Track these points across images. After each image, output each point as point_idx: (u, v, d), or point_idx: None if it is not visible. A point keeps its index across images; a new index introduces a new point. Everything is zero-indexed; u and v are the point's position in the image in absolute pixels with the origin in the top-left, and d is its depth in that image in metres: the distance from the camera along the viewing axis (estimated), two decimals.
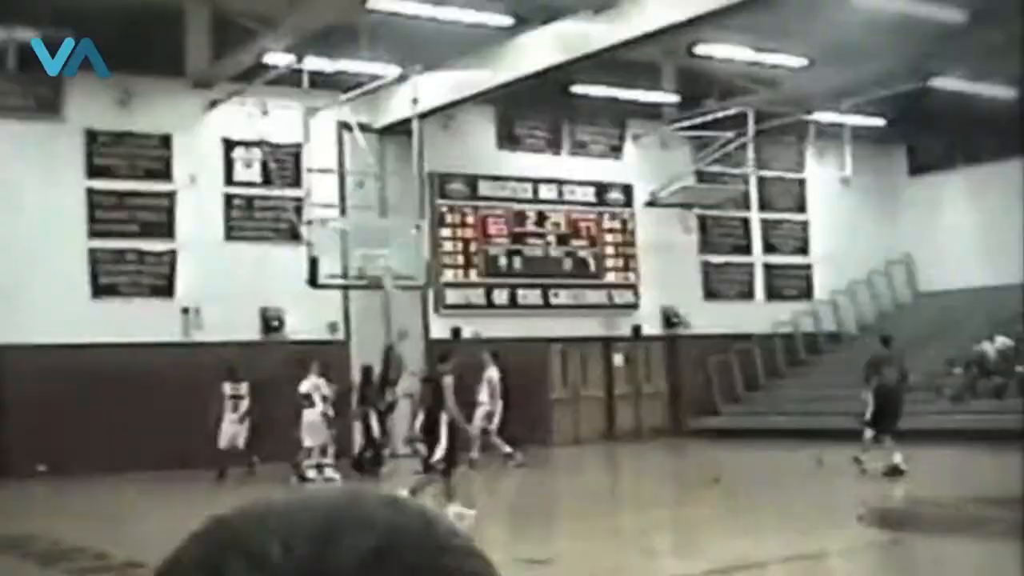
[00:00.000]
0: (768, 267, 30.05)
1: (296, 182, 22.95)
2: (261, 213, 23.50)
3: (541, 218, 26.61)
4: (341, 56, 21.51)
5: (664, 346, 28.13)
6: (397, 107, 22.63)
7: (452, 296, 25.39)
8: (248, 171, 23.52)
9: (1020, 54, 18.69)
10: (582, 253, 27.08)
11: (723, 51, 23.92)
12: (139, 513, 15.77)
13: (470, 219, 25.82)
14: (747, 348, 28.32)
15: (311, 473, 19.47)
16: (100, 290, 21.97)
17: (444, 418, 13.98)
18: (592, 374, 27.26)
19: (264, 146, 23.36)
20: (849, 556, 12.13)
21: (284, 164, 23.46)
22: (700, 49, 23.74)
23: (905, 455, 16.97)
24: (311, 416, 19.63)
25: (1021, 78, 21.57)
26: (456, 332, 24.75)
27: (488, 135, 26.18)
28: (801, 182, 30.81)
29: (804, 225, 30.76)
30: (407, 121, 21.53)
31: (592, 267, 27.21)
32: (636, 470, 23.91)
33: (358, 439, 21.12)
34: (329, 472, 19.65)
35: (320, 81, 21.33)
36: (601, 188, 27.45)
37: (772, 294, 29.94)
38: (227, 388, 20.25)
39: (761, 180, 29.17)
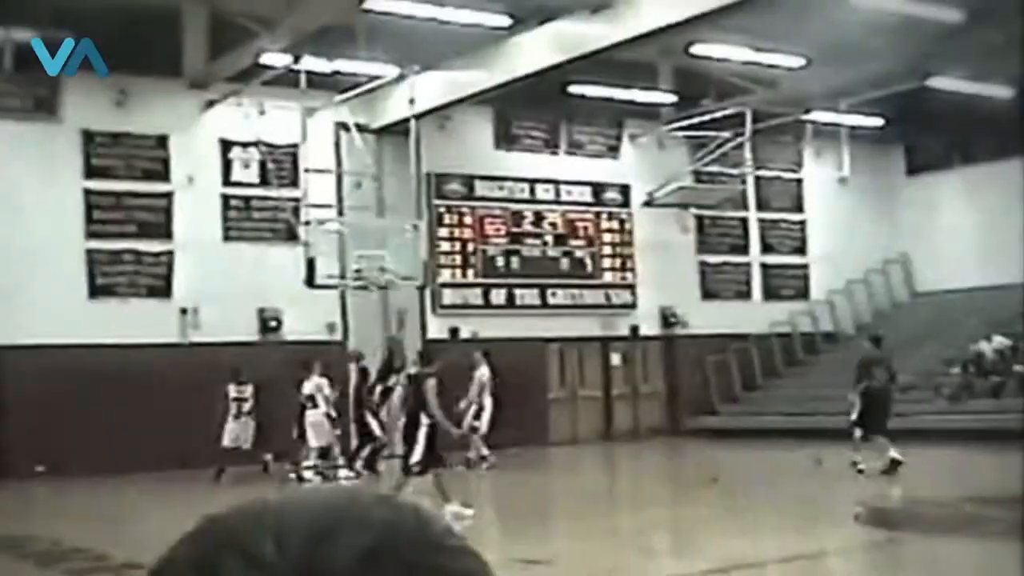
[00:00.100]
0: (765, 267, 30.03)
1: (293, 182, 22.93)
2: (259, 213, 23.48)
3: (538, 218, 26.59)
4: (338, 56, 21.48)
5: (661, 346, 28.11)
6: (394, 107, 22.63)
7: (449, 296, 25.38)
8: (245, 171, 23.49)
9: (1019, 54, 18.69)
10: (579, 253, 27.06)
11: (720, 51, 23.87)
12: (138, 513, 15.73)
13: (467, 219, 25.80)
14: (744, 348, 28.31)
15: (308, 474, 19.52)
16: (97, 291, 21.93)
17: (424, 420, 14.00)
18: (590, 374, 27.24)
19: (261, 146, 23.35)
20: (847, 556, 12.14)
21: (281, 164, 23.44)
22: (697, 49, 23.69)
23: (901, 453, 16.99)
24: (315, 416, 19.63)
25: (1020, 78, 21.58)
26: (454, 332, 24.76)
27: (485, 135, 26.14)
28: (798, 182, 30.78)
29: (801, 225, 30.73)
30: (404, 121, 21.55)
31: (589, 267, 27.19)
32: (634, 470, 23.91)
33: (354, 441, 21.06)
34: (344, 472, 19.68)
35: (317, 81, 21.29)
36: (598, 188, 27.42)
37: (769, 294, 29.92)
38: (231, 390, 20.25)
39: (758, 180, 29.14)
